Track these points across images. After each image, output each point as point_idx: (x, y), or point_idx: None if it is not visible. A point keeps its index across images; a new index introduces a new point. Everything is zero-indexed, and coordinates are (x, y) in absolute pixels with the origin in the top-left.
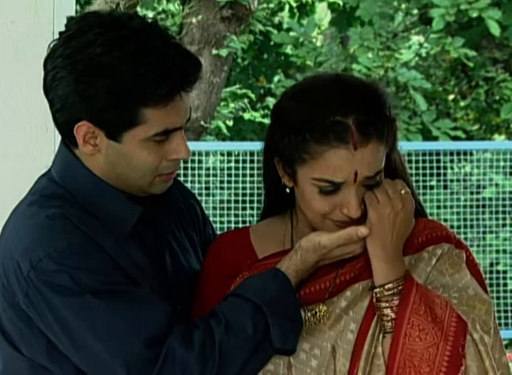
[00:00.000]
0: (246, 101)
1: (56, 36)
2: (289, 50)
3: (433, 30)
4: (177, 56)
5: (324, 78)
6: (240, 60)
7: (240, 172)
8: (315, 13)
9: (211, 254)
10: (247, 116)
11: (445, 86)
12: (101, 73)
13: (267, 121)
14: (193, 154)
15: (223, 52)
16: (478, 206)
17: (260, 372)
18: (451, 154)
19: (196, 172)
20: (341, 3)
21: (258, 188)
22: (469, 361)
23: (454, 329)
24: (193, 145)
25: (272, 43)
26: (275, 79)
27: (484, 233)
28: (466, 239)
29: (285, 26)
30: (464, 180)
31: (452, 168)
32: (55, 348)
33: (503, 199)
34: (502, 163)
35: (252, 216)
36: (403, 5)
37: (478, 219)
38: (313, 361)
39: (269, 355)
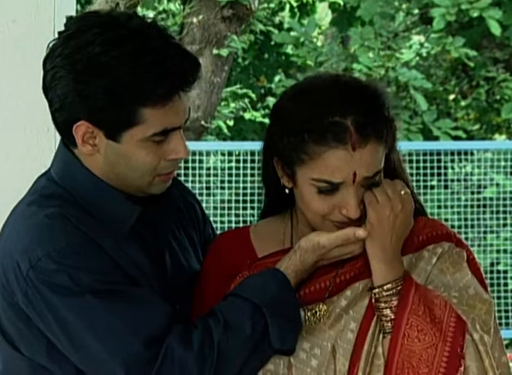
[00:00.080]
0: (246, 100)
1: (57, 35)
2: (289, 50)
3: (434, 30)
4: (176, 56)
5: (323, 79)
6: (240, 60)
7: (241, 172)
8: (316, 13)
9: (211, 253)
10: (247, 115)
11: (445, 86)
12: (100, 73)
13: (268, 121)
14: (194, 154)
15: (224, 52)
16: (478, 206)
17: (260, 371)
18: (452, 154)
19: (196, 172)
20: (342, 3)
21: (259, 188)
22: (468, 361)
23: (453, 329)
24: (193, 145)
25: (272, 43)
26: (276, 79)
27: (485, 233)
28: (467, 239)
29: (285, 25)
30: (465, 180)
31: (452, 168)
32: (55, 348)
33: (504, 199)
34: (502, 163)
35: (253, 215)
36: (404, 5)
37: (478, 219)
38: (313, 360)
39: (268, 356)
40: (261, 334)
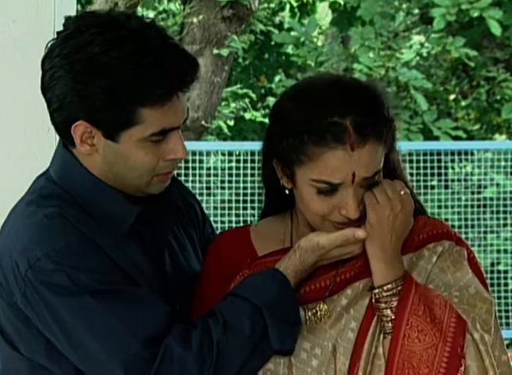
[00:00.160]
0: (247, 100)
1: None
2: (290, 50)
3: (434, 30)
4: (175, 56)
5: (322, 79)
6: (240, 60)
7: (241, 172)
8: (316, 13)
9: (211, 253)
10: (247, 115)
11: (446, 86)
12: (99, 73)
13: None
14: (194, 154)
15: (224, 52)
16: (478, 206)
17: (260, 371)
18: (452, 154)
19: (197, 172)
20: (342, 3)
21: (259, 188)
22: (469, 361)
23: (453, 329)
24: (194, 145)
25: (272, 43)
26: (276, 79)
27: (485, 232)
28: (467, 239)
29: (286, 25)
30: (465, 180)
31: (453, 168)
32: (54, 348)
33: (504, 199)
34: (503, 163)
35: (253, 215)
36: (404, 5)
37: (479, 219)
38: (314, 360)
39: (268, 356)
40: (261, 335)
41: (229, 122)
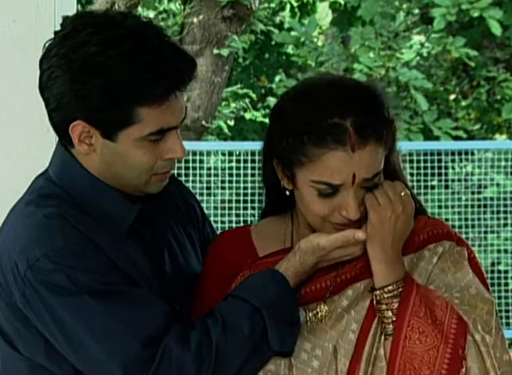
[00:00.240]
0: (247, 100)
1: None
2: (290, 50)
3: (434, 30)
4: (172, 56)
5: (322, 80)
6: (241, 60)
7: (241, 172)
8: (316, 13)
9: (212, 253)
10: (248, 115)
11: (446, 86)
12: (96, 73)
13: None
14: (195, 154)
15: (224, 52)
16: (479, 206)
17: (260, 372)
18: (452, 154)
19: (197, 172)
20: (342, 3)
21: (259, 188)
22: (470, 362)
23: (454, 331)
24: (194, 145)
25: (273, 43)
26: (277, 79)
27: (485, 232)
28: (467, 239)
29: (286, 25)
30: (466, 180)
31: (453, 168)
32: (53, 348)
33: (504, 199)
34: (503, 163)
35: (253, 215)
36: (405, 5)
37: (479, 219)
38: (314, 361)
39: (267, 357)
40: (260, 335)
41: (229, 122)
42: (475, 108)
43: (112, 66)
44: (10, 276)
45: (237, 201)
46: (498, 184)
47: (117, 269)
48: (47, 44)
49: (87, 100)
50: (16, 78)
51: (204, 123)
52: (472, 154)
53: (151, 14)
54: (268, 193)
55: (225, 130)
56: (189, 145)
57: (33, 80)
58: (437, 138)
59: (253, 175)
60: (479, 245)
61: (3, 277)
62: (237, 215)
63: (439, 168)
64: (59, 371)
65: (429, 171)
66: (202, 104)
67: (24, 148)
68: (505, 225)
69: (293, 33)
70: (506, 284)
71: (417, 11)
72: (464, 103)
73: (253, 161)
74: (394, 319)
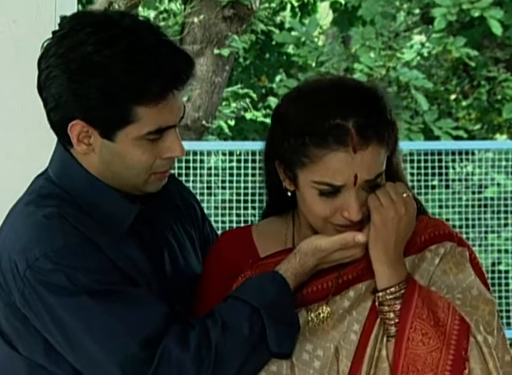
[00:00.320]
0: (247, 100)
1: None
2: (290, 49)
3: (435, 30)
4: (169, 54)
5: (324, 81)
6: (241, 60)
7: (242, 171)
8: (317, 13)
9: (213, 253)
10: (248, 115)
11: (447, 85)
12: (94, 72)
13: (269, 121)
14: (195, 154)
15: (225, 52)
16: (479, 206)
17: (263, 372)
18: (453, 153)
19: (198, 171)
20: (343, 2)
21: (260, 188)
22: (473, 363)
23: (457, 332)
24: (194, 145)
25: (273, 42)
26: (277, 78)
27: (486, 232)
28: (468, 239)
29: (287, 25)
30: (466, 180)
31: (454, 168)
32: (52, 347)
33: (505, 199)
34: (504, 163)
35: (254, 215)
36: (405, 5)
37: (479, 219)
38: (316, 362)
39: (266, 358)
40: (259, 337)
41: (229, 122)
42: (476, 108)
43: (109, 65)
44: (10, 275)
45: (238, 201)
46: (498, 184)
47: (117, 269)
48: (45, 44)
49: (85, 99)
50: (17, 78)
51: (204, 122)
52: (473, 154)
53: (152, 14)
54: (269, 194)
55: (226, 130)
56: (189, 145)
57: (34, 80)
58: (438, 138)
59: (253, 175)
60: (480, 245)
61: (3, 277)
62: (238, 215)
63: (440, 168)
64: (58, 371)
65: (430, 171)
66: (203, 104)
67: (24, 148)
68: (505, 225)
69: (293, 33)
70: (507, 284)
71: (417, 11)
72: (464, 103)
73: (253, 161)
74: (397, 320)
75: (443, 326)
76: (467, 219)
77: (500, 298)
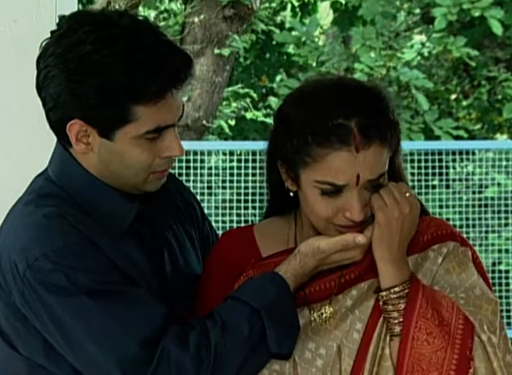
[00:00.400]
0: (248, 100)
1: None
2: (291, 49)
3: (435, 30)
4: (168, 53)
5: (326, 81)
6: (242, 59)
7: (243, 171)
8: (317, 13)
9: (215, 253)
10: (249, 115)
11: (447, 85)
12: (92, 72)
13: (269, 120)
14: (195, 153)
15: (225, 52)
16: (480, 206)
17: (266, 371)
18: (453, 153)
19: (198, 171)
20: (343, 2)
21: (261, 187)
22: (477, 363)
23: (461, 331)
24: (195, 145)
25: (274, 42)
26: (278, 78)
27: (486, 232)
28: (468, 238)
29: (287, 25)
30: (466, 180)
31: (454, 167)
32: (52, 347)
33: (506, 199)
34: (504, 163)
35: (254, 215)
36: (406, 5)
37: (480, 219)
38: (318, 360)
39: (266, 359)
40: (259, 337)
41: (230, 121)
42: (476, 108)
43: (108, 64)
44: (9, 275)
45: (238, 201)
46: (499, 184)
47: (116, 269)
48: (43, 44)
49: (84, 99)
50: (17, 78)
51: (204, 122)
52: (473, 154)
53: (152, 14)
54: (271, 194)
55: (226, 130)
56: (190, 145)
57: (34, 80)
58: (438, 138)
59: (254, 175)
60: (480, 245)
61: (2, 277)
62: (238, 214)
63: (440, 168)
64: (58, 371)
65: (430, 171)
66: (203, 103)
67: (24, 148)
68: (506, 225)
69: (294, 32)
70: (507, 284)
71: (418, 11)
72: (464, 103)
73: (254, 160)
74: (401, 319)
75: (448, 326)
76: (467, 218)
77: (501, 297)
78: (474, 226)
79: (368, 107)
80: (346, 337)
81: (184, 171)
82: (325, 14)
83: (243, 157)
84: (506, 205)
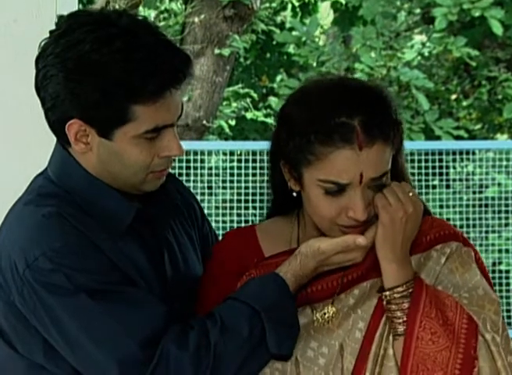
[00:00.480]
0: (248, 100)
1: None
2: (291, 49)
3: (436, 30)
4: (166, 53)
5: (328, 81)
6: (242, 59)
7: (243, 171)
8: (318, 12)
9: (217, 253)
10: (249, 115)
11: (447, 85)
12: (91, 71)
13: (269, 120)
14: (196, 153)
15: (226, 52)
16: (480, 206)
17: (268, 369)
18: (454, 153)
19: (198, 171)
20: (344, 2)
21: (261, 187)
22: (481, 362)
23: (465, 331)
24: (195, 145)
25: (274, 42)
26: (278, 78)
27: (486, 232)
28: (468, 238)
29: (287, 25)
30: (467, 180)
31: (454, 167)
32: (52, 347)
33: (506, 199)
34: (504, 163)
35: (254, 215)
36: (406, 5)
37: (480, 219)
38: (320, 359)
39: (265, 360)
40: (259, 338)
41: (230, 121)
42: (476, 108)
43: (107, 64)
44: (9, 275)
45: (238, 201)
46: (499, 184)
47: (116, 269)
48: (42, 44)
49: (82, 98)
50: (17, 78)
51: (205, 122)
52: (473, 154)
53: (152, 14)
54: (274, 194)
55: (227, 130)
56: (190, 145)
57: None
58: (438, 138)
59: (254, 175)
60: (480, 245)
61: (2, 277)
62: (238, 214)
63: (441, 168)
64: (57, 370)
65: (430, 171)
66: (203, 103)
67: (24, 148)
68: (506, 225)
69: (294, 32)
70: (508, 284)
71: (418, 11)
72: (465, 103)
73: (254, 160)
74: (404, 319)
75: (452, 325)
76: (467, 219)
77: (501, 297)
78: (474, 226)
79: (370, 106)
80: (348, 336)
81: (184, 171)
82: (325, 14)
83: (243, 157)
84: (507, 205)
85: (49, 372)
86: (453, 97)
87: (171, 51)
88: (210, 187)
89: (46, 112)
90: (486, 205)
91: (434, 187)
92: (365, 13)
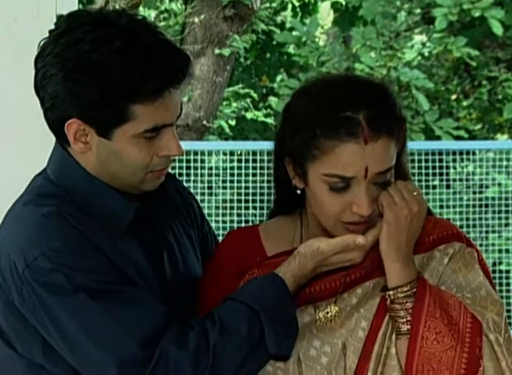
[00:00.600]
0: (248, 100)
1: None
2: (291, 49)
3: (436, 30)
4: (165, 53)
5: (334, 76)
6: (242, 60)
7: (243, 171)
8: (318, 13)
9: (220, 252)
10: (249, 115)
11: (447, 85)
12: (90, 71)
13: (269, 120)
14: (196, 153)
15: (226, 52)
16: (480, 206)
17: (270, 367)
18: (454, 153)
19: (198, 171)
20: (344, 2)
21: (261, 187)
22: (486, 362)
23: (470, 330)
24: (195, 145)
25: (274, 42)
26: (278, 78)
27: (487, 232)
28: None
29: (287, 25)
30: (467, 180)
31: (454, 167)
32: (51, 347)
33: (506, 199)
34: (504, 163)
35: (255, 215)
36: (406, 5)
37: (480, 219)
38: (323, 358)
39: (264, 360)
40: (258, 339)
41: (230, 121)
42: (477, 108)
43: (106, 63)
44: (8, 275)
45: (239, 201)
46: (499, 184)
47: (116, 268)
48: (41, 43)
49: (82, 98)
50: (17, 77)
51: (205, 122)
52: (474, 154)
53: (152, 14)
54: (278, 193)
55: (227, 130)
56: (190, 145)
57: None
58: (438, 138)
59: (254, 175)
60: (480, 245)
61: (2, 276)
62: (239, 214)
63: (441, 168)
64: (56, 370)
65: (430, 171)
66: (203, 104)
67: (23, 148)
68: (506, 225)
69: (294, 33)
70: (508, 284)
71: (418, 11)
72: (465, 103)
73: (254, 160)
74: (408, 318)
75: (456, 325)
76: (467, 219)
77: (501, 297)
78: (474, 226)
79: (375, 101)
80: (351, 335)
81: (184, 171)
82: (325, 14)
83: (243, 157)
84: (507, 205)
85: (48, 371)
86: (453, 97)
87: (170, 50)
88: (210, 187)
89: (45, 111)
90: (486, 205)
91: (434, 187)
92: (365, 13)
